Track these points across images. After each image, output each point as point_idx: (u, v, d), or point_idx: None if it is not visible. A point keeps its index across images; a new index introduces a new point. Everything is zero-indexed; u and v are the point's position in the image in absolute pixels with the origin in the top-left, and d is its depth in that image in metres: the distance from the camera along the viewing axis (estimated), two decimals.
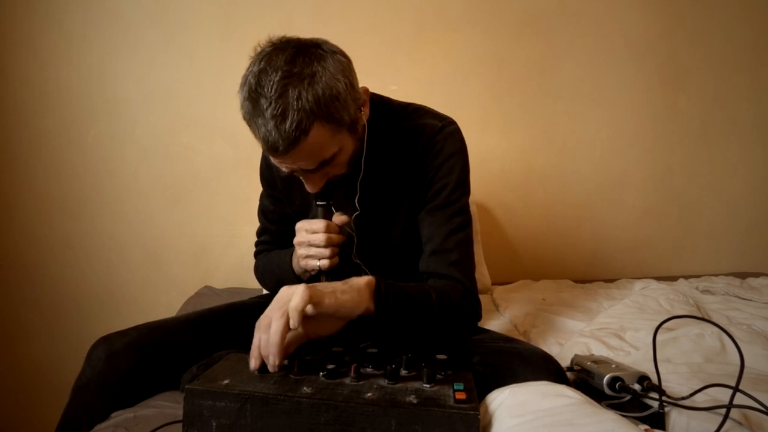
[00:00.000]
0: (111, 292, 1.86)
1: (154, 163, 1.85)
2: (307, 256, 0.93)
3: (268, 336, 0.72)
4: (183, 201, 1.88)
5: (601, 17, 2.05)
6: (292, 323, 0.72)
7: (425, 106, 1.11)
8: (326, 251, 0.92)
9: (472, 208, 1.23)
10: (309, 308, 0.74)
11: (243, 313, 1.07)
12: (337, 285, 0.81)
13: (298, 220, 1.10)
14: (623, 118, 2.11)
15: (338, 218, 0.96)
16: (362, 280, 0.84)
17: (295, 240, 0.95)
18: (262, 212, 1.22)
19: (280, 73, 0.81)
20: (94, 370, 0.88)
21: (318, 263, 0.93)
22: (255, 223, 1.25)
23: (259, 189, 1.22)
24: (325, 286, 0.80)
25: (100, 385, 0.87)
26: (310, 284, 0.78)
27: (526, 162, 2.06)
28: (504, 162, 2.04)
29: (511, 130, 2.04)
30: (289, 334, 0.75)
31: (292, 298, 0.74)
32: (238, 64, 1.87)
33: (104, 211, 1.84)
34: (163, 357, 0.92)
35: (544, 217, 2.09)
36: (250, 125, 0.85)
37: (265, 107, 0.80)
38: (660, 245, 2.18)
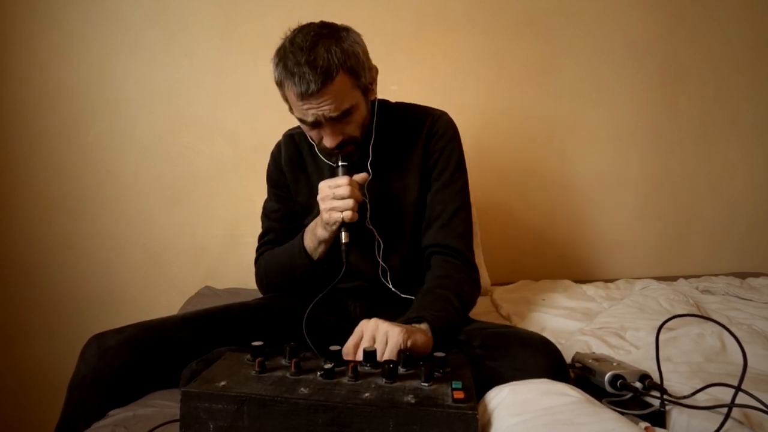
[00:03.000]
0: (111, 292, 1.86)
1: (154, 163, 1.85)
2: (331, 209, 1.00)
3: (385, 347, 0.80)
4: (183, 201, 1.87)
5: (601, 17, 2.05)
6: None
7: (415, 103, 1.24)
8: (350, 202, 1.00)
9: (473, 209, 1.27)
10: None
11: (241, 313, 1.08)
12: (407, 329, 0.86)
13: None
14: (623, 118, 2.10)
15: (358, 176, 1.05)
16: (421, 326, 0.89)
17: (319, 196, 1.03)
18: (266, 215, 1.25)
19: (312, 33, 0.98)
20: (89, 367, 0.88)
21: (342, 215, 0.99)
22: (256, 223, 1.25)
23: (260, 188, 1.23)
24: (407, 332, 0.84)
25: (95, 382, 0.87)
26: (405, 326, 0.84)
27: (526, 162, 2.06)
28: (503, 162, 2.03)
29: (511, 130, 2.04)
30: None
31: (389, 334, 0.81)
32: (238, 64, 1.90)
33: (104, 211, 1.84)
34: (158, 354, 0.92)
35: (543, 217, 2.08)
36: (284, 80, 0.98)
37: (300, 56, 0.95)
38: (660, 245, 2.17)
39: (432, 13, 1.95)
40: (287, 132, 1.26)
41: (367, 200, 1.11)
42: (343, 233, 1.01)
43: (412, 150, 1.15)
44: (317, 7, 1.85)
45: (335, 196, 1.00)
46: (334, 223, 1.01)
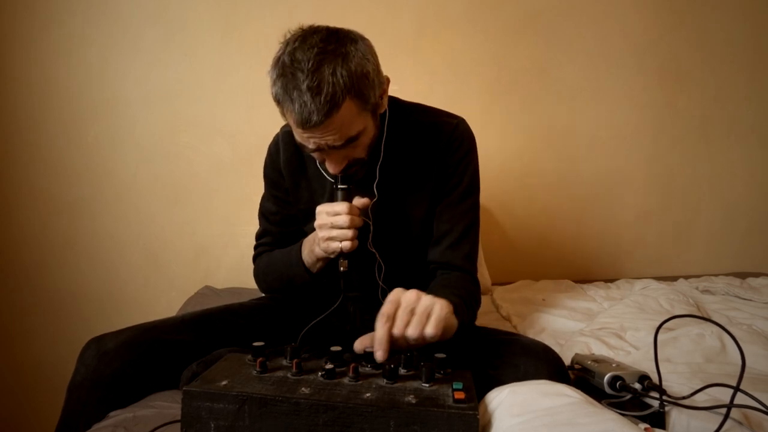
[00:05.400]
0: (111, 292, 1.86)
1: (154, 163, 1.85)
2: (329, 238, 0.94)
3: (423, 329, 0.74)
4: (182, 201, 1.88)
5: (601, 17, 2.05)
6: (434, 333, 0.75)
7: (430, 106, 1.15)
8: (349, 233, 0.92)
9: None
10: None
11: (240, 314, 1.07)
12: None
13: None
14: (623, 118, 2.10)
15: (359, 201, 0.97)
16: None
17: (316, 223, 0.96)
18: (263, 215, 1.21)
19: (315, 50, 0.85)
20: (88, 370, 0.88)
21: (340, 245, 0.93)
22: (255, 223, 1.24)
23: (259, 188, 1.22)
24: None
25: (94, 384, 0.87)
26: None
27: (526, 162, 2.06)
28: (504, 162, 2.04)
29: (511, 130, 2.04)
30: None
31: (434, 307, 0.76)
32: (238, 64, 1.90)
33: (104, 211, 1.84)
34: (157, 356, 0.91)
35: (543, 217, 2.08)
36: (282, 101, 0.87)
37: (301, 80, 0.83)
38: (660, 245, 2.18)
39: (432, 13, 1.95)
40: (286, 128, 1.14)
41: (370, 222, 1.03)
42: (341, 261, 0.95)
43: (427, 162, 1.07)
44: (317, 7, 1.85)
45: (333, 225, 0.93)
46: (332, 253, 0.96)
